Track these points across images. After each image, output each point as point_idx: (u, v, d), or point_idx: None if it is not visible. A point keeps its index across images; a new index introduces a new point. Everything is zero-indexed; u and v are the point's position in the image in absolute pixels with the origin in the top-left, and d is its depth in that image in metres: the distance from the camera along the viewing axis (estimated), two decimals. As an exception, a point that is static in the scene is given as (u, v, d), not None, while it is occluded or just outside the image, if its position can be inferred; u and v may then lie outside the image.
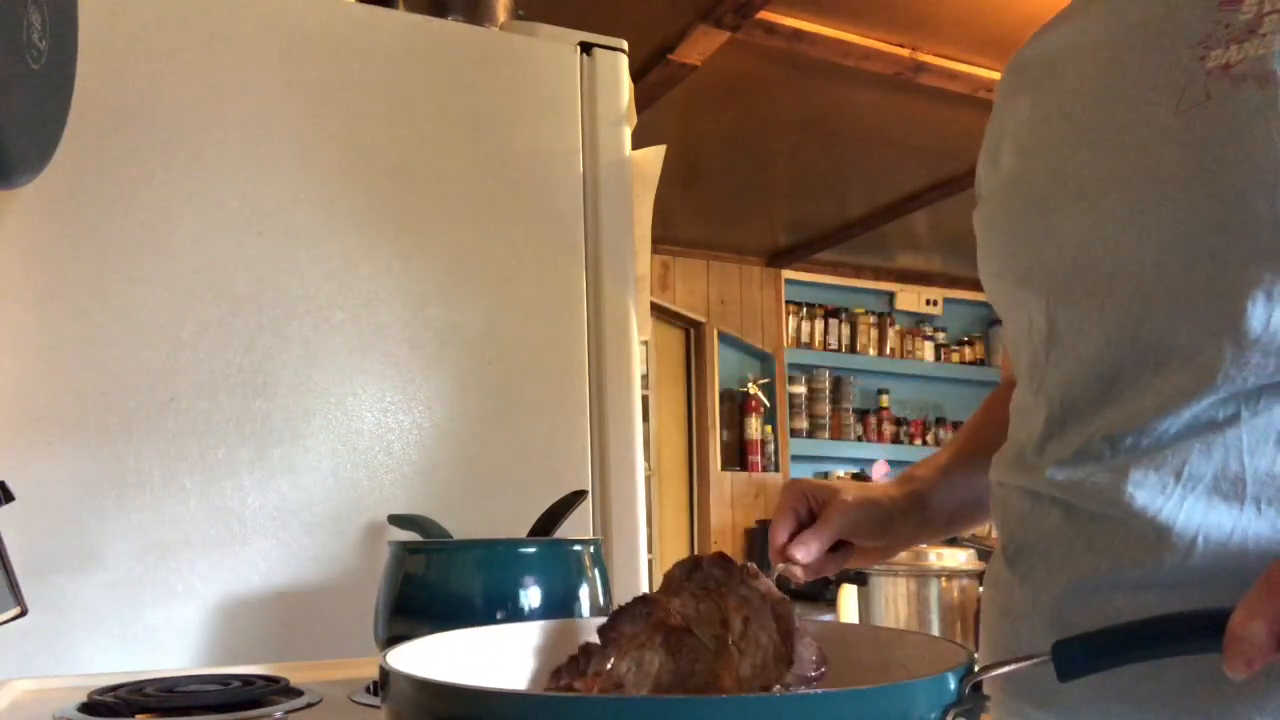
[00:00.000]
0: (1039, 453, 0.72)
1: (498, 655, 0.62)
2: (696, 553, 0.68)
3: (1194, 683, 0.60)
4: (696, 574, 0.63)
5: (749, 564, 0.62)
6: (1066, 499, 0.68)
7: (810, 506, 0.82)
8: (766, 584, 0.61)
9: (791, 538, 0.80)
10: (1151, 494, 0.62)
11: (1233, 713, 0.59)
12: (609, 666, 0.60)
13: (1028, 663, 0.49)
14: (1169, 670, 0.60)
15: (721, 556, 0.63)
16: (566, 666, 0.61)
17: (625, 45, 1.57)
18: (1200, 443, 0.61)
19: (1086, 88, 0.72)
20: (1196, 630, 0.47)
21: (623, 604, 0.64)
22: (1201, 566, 0.60)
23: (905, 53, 2.87)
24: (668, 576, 0.65)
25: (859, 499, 0.82)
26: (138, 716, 0.84)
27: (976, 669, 0.46)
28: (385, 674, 0.47)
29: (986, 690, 0.46)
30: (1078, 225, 0.68)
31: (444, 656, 0.57)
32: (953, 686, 0.44)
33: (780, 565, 0.78)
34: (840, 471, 5.13)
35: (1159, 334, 0.63)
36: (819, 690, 0.42)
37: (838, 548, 0.83)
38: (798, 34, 2.74)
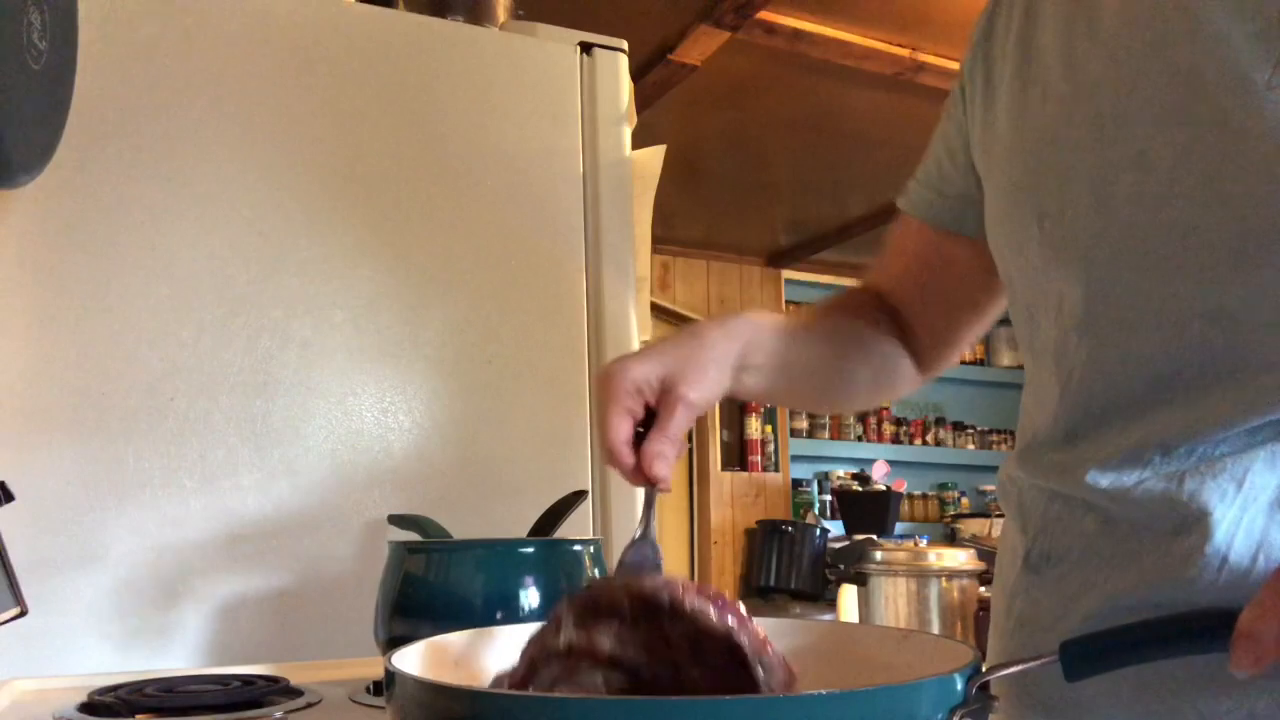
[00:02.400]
0: (1065, 449, 0.65)
1: (501, 656, 0.62)
2: (608, 582, 0.54)
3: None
4: (614, 616, 0.53)
5: (675, 600, 0.53)
6: (1107, 507, 0.62)
7: (644, 400, 0.67)
8: (705, 618, 0.52)
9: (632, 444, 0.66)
10: (1209, 502, 0.57)
11: None
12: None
13: (1035, 663, 0.49)
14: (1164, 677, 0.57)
15: (641, 596, 0.53)
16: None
17: (625, 45, 1.56)
18: (1265, 452, 0.56)
19: (1143, 19, 0.60)
20: (1208, 629, 0.46)
21: (542, 638, 0.53)
22: (1258, 586, 0.54)
23: (905, 53, 2.87)
24: (580, 615, 0.54)
25: (704, 381, 0.68)
26: (138, 716, 0.84)
27: (984, 669, 0.46)
28: (390, 675, 0.47)
29: (995, 693, 0.46)
30: (1135, 204, 0.59)
31: (448, 657, 0.57)
32: (959, 687, 0.44)
33: (652, 486, 0.65)
34: (840, 471, 5.13)
35: (1230, 339, 0.56)
36: (824, 691, 0.41)
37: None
38: (798, 34, 2.74)
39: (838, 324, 0.86)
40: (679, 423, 0.66)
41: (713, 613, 0.52)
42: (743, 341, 0.73)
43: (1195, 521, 0.57)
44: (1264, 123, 0.54)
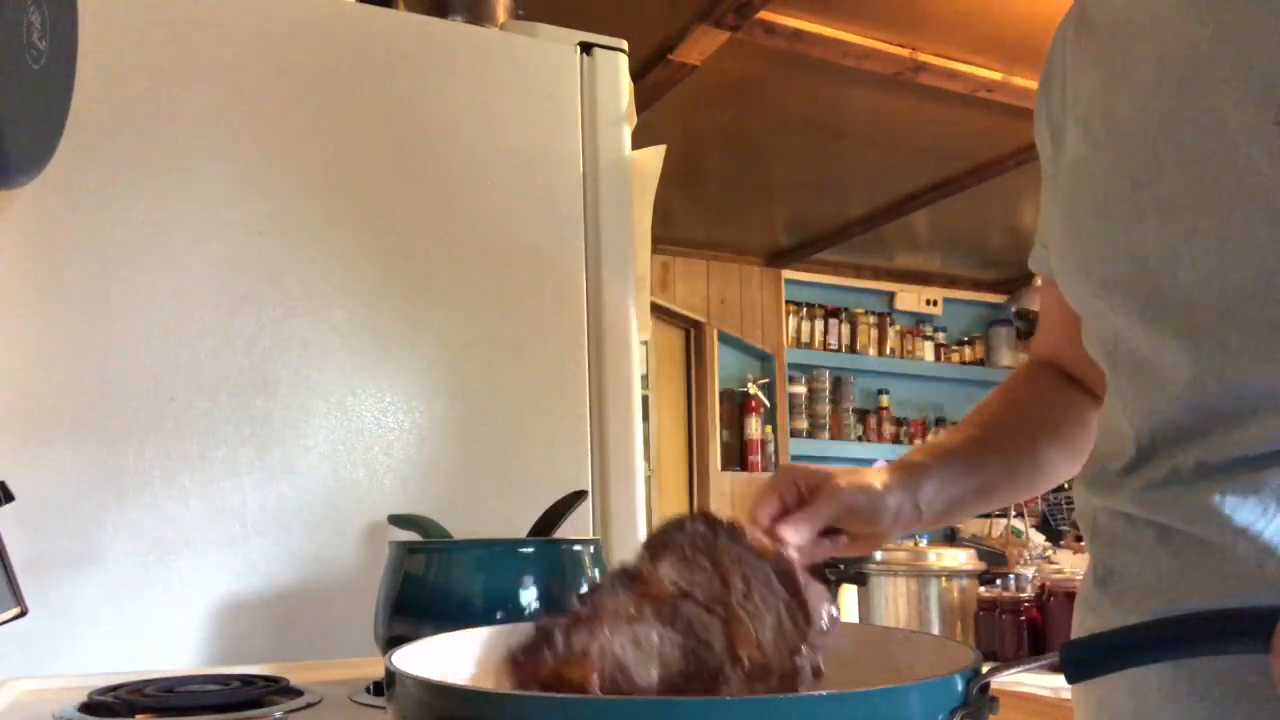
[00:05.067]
0: (1128, 475, 0.68)
1: (502, 656, 0.62)
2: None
3: None
4: (679, 536, 0.58)
5: (735, 520, 0.58)
6: (1160, 520, 0.64)
7: (800, 493, 0.73)
8: (760, 541, 0.57)
9: (775, 521, 0.71)
10: (1251, 516, 0.58)
11: None
12: (596, 644, 0.54)
13: (1036, 663, 0.49)
14: None
15: (705, 515, 0.58)
16: (536, 645, 0.54)
17: (625, 45, 1.56)
18: None
19: (1167, 71, 0.63)
20: (1212, 631, 0.46)
21: (602, 579, 0.58)
22: None
23: (905, 53, 2.86)
24: (649, 545, 0.59)
25: (852, 485, 0.74)
26: (138, 716, 0.84)
27: (985, 670, 0.46)
28: (391, 675, 0.47)
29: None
30: (1160, 242, 0.62)
31: (449, 657, 0.57)
32: (959, 689, 0.44)
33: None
34: (840, 471, 5.12)
35: (1246, 376, 0.59)
36: (823, 692, 0.41)
37: (829, 533, 0.74)
38: (798, 34, 2.74)
39: (1019, 424, 0.87)
40: (823, 509, 0.71)
41: (768, 544, 0.57)
42: (916, 492, 0.77)
43: (1241, 530, 0.58)
44: (1271, 166, 0.55)
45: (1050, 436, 0.86)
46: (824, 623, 0.54)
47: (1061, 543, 3.38)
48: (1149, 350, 0.65)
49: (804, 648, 0.53)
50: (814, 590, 0.54)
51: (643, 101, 2.93)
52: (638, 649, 0.54)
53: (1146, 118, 0.64)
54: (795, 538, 0.69)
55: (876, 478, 0.77)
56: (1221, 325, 0.59)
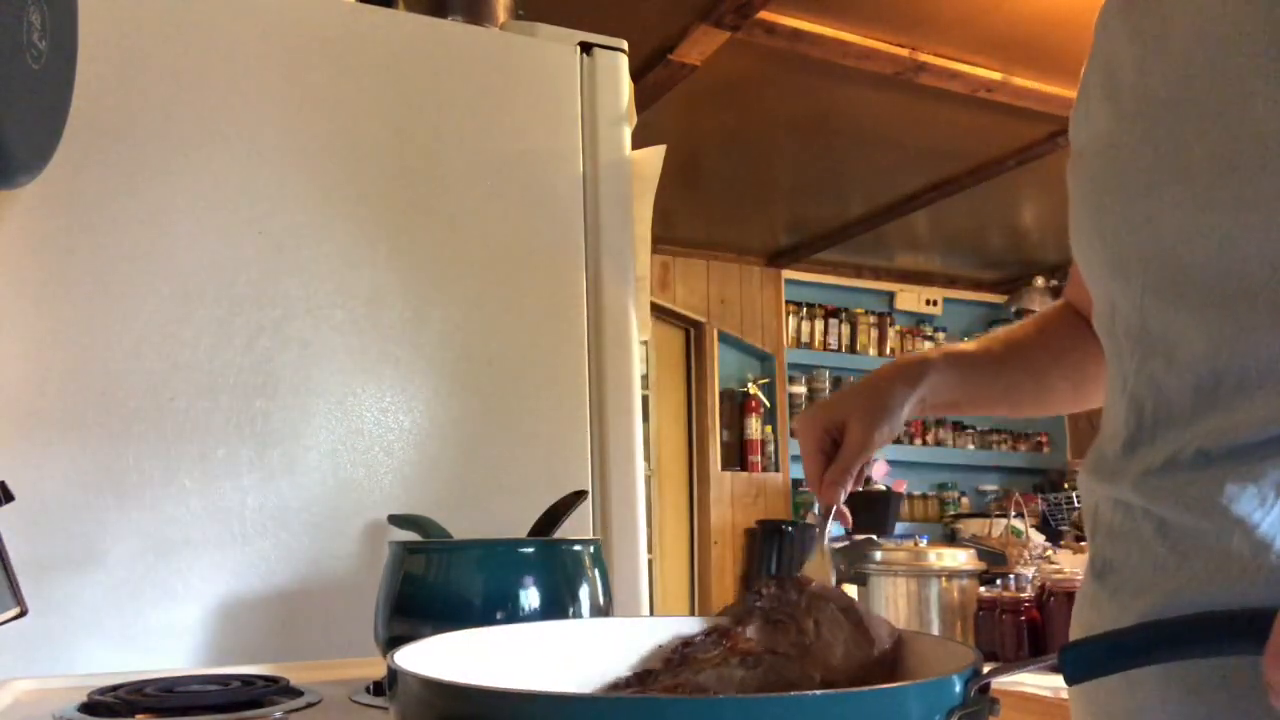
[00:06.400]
0: (1125, 458, 0.67)
1: (503, 655, 0.62)
2: (752, 588, 0.71)
3: None
4: (759, 601, 0.67)
5: (799, 575, 0.67)
6: (1159, 512, 0.64)
7: (833, 438, 0.85)
8: (821, 586, 0.66)
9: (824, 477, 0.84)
10: (1249, 506, 0.57)
11: None
12: (682, 680, 0.61)
13: (1036, 664, 0.49)
14: None
15: (776, 579, 0.68)
16: (629, 681, 0.63)
17: (625, 45, 1.56)
18: None
19: (1196, 39, 0.63)
20: (1208, 633, 0.46)
21: (692, 636, 0.66)
22: None
23: (905, 53, 2.87)
24: (734, 614, 0.68)
25: (873, 421, 0.84)
26: (138, 716, 0.84)
27: (984, 671, 0.46)
28: (393, 674, 0.47)
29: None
30: (1180, 213, 0.62)
31: (450, 656, 0.57)
32: (958, 689, 0.44)
33: (827, 507, 0.83)
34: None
35: (1261, 349, 0.58)
36: (821, 692, 0.41)
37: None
38: (798, 34, 2.74)
39: (1031, 345, 0.92)
40: (854, 459, 0.83)
41: (830, 588, 0.66)
42: (921, 386, 0.86)
43: (1238, 521, 0.58)
44: None
45: (1057, 360, 0.91)
46: (885, 642, 0.61)
47: (1061, 543, 3.38)
48: (1158, 324, 0.64)
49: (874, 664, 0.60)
50: (874, 619, 0.63)
51: (643, 101, 2.93)
52: (720, 681, 0.61)
53: (1176, 89, 0.64)
54: (843, 495, 0.83)
55: (890, 392, 0.85)
56: (1234, 297, 0.59)
